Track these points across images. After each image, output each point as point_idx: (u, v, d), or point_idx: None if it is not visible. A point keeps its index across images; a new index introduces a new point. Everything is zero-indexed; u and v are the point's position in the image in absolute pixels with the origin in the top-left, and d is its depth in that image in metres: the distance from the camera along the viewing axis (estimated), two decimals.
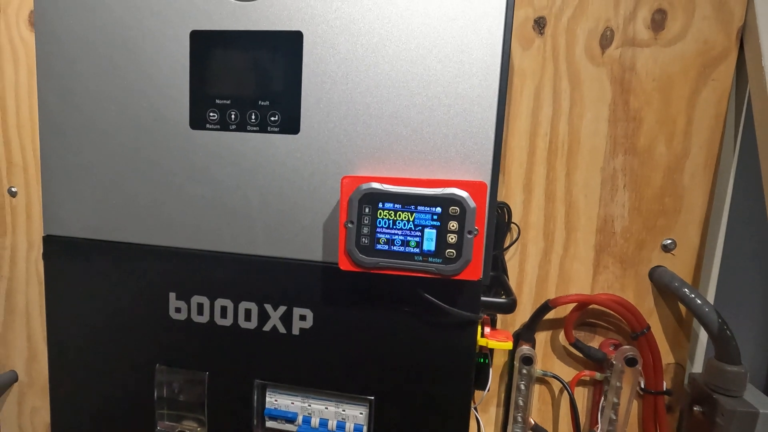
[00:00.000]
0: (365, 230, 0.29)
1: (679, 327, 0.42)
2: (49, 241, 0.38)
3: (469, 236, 0.28)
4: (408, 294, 0.31)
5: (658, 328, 0.43)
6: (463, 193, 0.27)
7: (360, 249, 0.29)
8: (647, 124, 0.41)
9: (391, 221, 0.28)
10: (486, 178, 0.30)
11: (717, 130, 0.40)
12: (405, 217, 0.28)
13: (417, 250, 0.28)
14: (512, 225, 0.44)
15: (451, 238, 0.28)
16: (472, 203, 0.27)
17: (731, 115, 0.40)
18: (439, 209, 0.28)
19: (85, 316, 0.38)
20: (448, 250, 0.28)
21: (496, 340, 0.34)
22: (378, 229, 0.29)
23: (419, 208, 0.28)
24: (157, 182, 0.35)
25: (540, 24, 0.42)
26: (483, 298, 0.33)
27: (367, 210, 0.28)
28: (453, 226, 0.28)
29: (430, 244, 0.28)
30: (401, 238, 0.28)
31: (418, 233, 0.28)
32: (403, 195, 0.28)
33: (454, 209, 0.28)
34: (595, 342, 0.44)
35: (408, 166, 0.30)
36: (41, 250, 0.55)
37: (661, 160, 0.41)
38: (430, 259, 0.28)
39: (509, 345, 0.34)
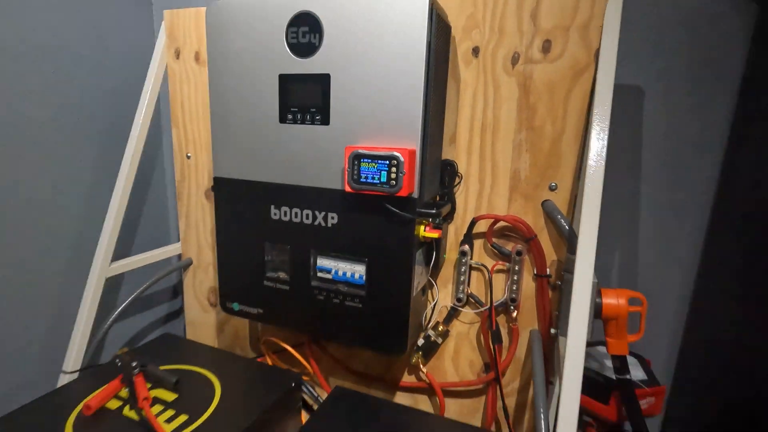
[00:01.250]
0: (356, 171, 0.61)
1: (560, 238, 0.68)
2: (216, 180, 0.75)
3: (401, 175, 0.58)
4: (380, 206, 0.63)
5: (547, 239, 0.69)
6: (398, 154, 0.58)
7: (353, 181, 0.61)
8: (540, 112, 0.66)
9: (367, 167, 0.60)
10: (416, 145, 0.59)
11: (582, 115, 0.64)
12: (373, 165, 0.59)
13: (378, 182, 0.59)
14: (459, 174, 0.72)
15: (393, 175, 0.58)
16: (402, 158, 0.58)
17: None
18: (387, 162, 0.58)
19: (232, 220, 0.76)
20: (392, 181, 0.59)
21: (428, 233, 0.64)
22: (362, 171, 0.60)
23: (378, 161, 0.59)
24: (265, 150, 0.70)
25: (476, 51, 0.68)
26: (419, 209, 0.63)
27: (356, 162, 0.60)
28: (394, 170, 0.58)
29: (384, 178, 0.59)
30: (372, 175, 0.60)
31: (378, 173, 0.59)
32: (371, 155, 0.59)
33: (394, 161, 0.58)
34: (508, 246, 0.71)
35: (379, 139, 0.61)
36: (203, 190, 0.95)
37: (549, 135, 0.66)
38: (384, 186, 0.59)
39: (436, 234, 0.64)
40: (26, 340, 0.86)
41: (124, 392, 0.74)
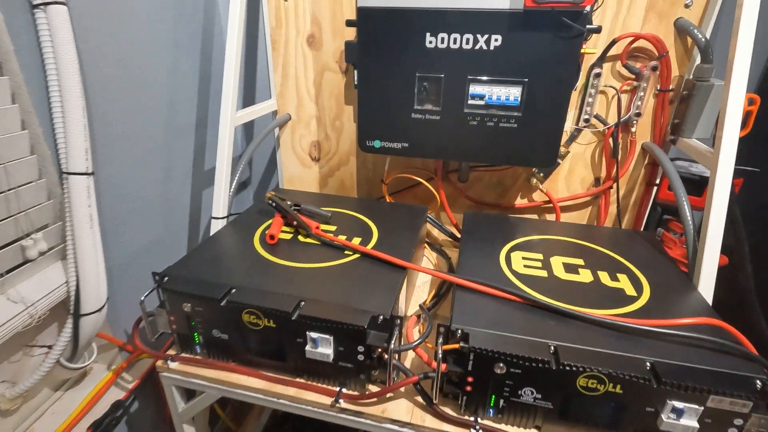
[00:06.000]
0: None
1: (685, 54, 0.78)
2: (361, 10, 0.73)
3: None
4: (550, 23, 0.67)
5: (674, 55, 0.78)
6: None
7: None
8: None
9: None
10: None
11: None
12: None
13: None
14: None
15: None
16: None
17: None
18: None
19: (379, 54, 0.76)
20: None
21: (586, 49, 0.70)
22: None
23: None
24: None
25: None
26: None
27: None
28: None
29: None
30: None
31: None
32: None
33: None
34: (638, 65, 0.80)
35: None
36: (304, 37, 0.92)
37: None
38: None
39: (594, 51, 0.70)
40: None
41: (285, 228, 0.80)
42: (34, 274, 0.66)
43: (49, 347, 0.70)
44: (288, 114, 1.00)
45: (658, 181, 0.86)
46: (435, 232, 0.99)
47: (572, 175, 0.91)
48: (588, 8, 0.65)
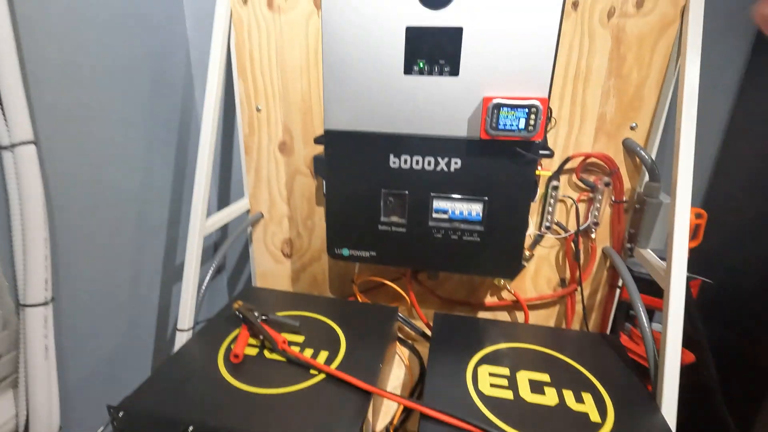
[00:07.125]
0: (494, 120, 0.67)
1: (635, 169, 0.82)
2: (328, 133, 0.77)
3: (539, 121, 0.66)
4: (505, 151, 0.71)
5: (624, 171, 0.83)
6: (537, 102, 0.65)
7: (491, 128, 0.68)
8: (628, 61, 0.77)
9: (506, 116, 0.67)
10: (546, 93, 0.67)
11: (664, 64, 0.76)
12: (511, 114, 0.67)
13: (516, 128, 0.67)
14: (552, 118, 0.82)
15: (532, 122, 0.66)
16: (541, 106, 0.66)
17: (674, 55, 0.76)
18: (527, 110, 0.66)
19: (344, 171, 0.79)
20: (529, 127, 0.67)
21: (541, 171, 0.74)
22: (500, 119, 0.67)
23: (518, 110, 0.66)
24: (386, 102, 0.72)
25: (575, 5, 0.75)
26: (540, 151, 0.72)
27: (495, 111, 0.67)
28: (533, 117, 0.66)
29: (522, 125, 0.67)
30: (510, 123, 0.67)
31: (517, 120, 0.67)
32: (512, 104, 0.66)
33: (533, 109, 0.66)
34: (590, 179, 0.84)
35: (508, 89, 0.68)
36: (276, 144, 0.95)
37: (634, 81, 0.77)
38: (521, 132, 0.67)
39: (548, 173, 0.74)
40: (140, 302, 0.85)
41: (252, 340, 0.79)
42: None
43: None
44: (260, 212, 1.01)
45: (620, 284, 0.89)
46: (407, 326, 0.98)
47: (538, 275, 0.93)
48: (538, 141, 0.69)
